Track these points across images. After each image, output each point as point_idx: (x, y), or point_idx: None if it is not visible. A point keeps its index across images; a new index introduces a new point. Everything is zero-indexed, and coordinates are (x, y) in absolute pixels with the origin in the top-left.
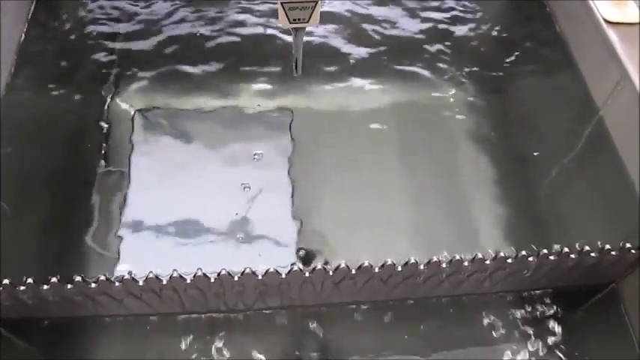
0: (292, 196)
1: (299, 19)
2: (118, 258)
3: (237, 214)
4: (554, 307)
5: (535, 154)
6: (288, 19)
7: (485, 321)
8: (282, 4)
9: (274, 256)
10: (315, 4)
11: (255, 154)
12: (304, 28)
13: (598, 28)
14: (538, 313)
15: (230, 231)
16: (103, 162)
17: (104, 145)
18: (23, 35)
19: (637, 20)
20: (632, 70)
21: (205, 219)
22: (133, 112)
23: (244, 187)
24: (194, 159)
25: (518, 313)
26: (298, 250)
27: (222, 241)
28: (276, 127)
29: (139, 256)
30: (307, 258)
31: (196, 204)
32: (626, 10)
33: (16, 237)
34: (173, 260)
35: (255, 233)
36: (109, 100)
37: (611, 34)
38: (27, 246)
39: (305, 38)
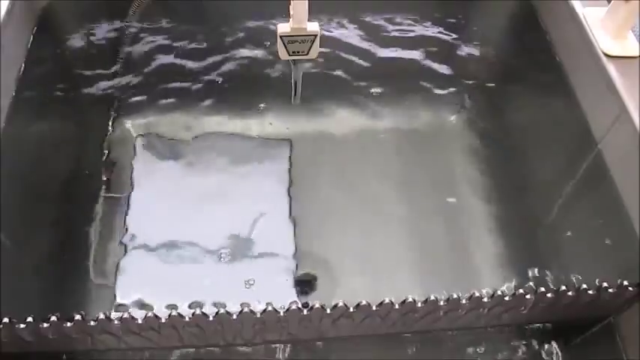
0: (292, 222)
1: (298, 52)
2: (117, 283)
3: (237, 238)
4: (551, 340)
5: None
6: (287, 52)
7: (482, 353)
8: (281, 37)
9: (273, 282)
10: (315, 38)
11: (255, 180)
12: (303, 60)
13: (597, 61)
14: (535, 345)
15: (230, 256)
16: (104, 188)
17: (105, 171)
18: (23, 65)
19: (637, 54)
20: (631, 105)
21: (205, 243)
22: (134, 138)
23: (244, 213)
24: (194, 184)
25: (515, 346)
26: (298, 276)
27: (222, 265)
28: (275, 154)
29: (139, 281)
30: (307, 283)
31: (196, 228)
32: (625, 44)
33: (16, 268)
34: (174, 285)
35: (255, 258)
36: (110, 126)
37: (611, 68)
38: (27, 274)
39: None
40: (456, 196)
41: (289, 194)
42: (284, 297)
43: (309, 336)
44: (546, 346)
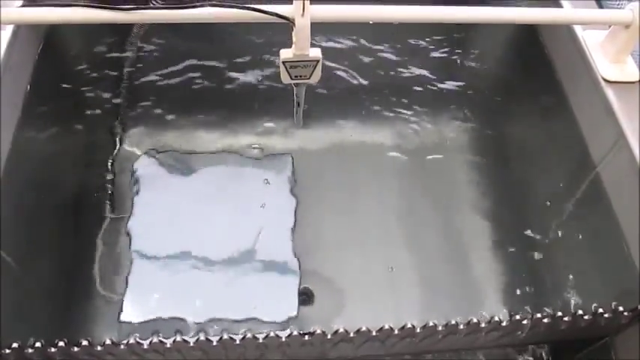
0: (294, 235)
1: (300, 77)
2: (124, 297)
3: (240, 251)
4: (548, 358)
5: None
6: (290, 76)
7: None
8: (283, 63)
9: (275, 293)
10: (317, 63)
11: (257, 194)
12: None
13: (596, 85)
14: None
15: (234, 268)
16: (109, 205)
17: (110, 187)
18: (29, 85)
19: (635, 79)
20: (629, 131)
21: (209, 256)
22: (139, 154)
23: (247, 226)
24: (198, 199)
25: None
26: (300, 288)
27: (225, 277)
28: (278, 168)
29: (146, 294)
30: (308, 296)
31: (200, 242)
32: (624, 69)
33: (23, 288)
34: (179, 297)
35: (258, 270)
36: (115, 143)
37: (609, 92)
38: (34, 294)
39: None
40: (456, 213)
41: (292, 207)
42: (286, 308)
43: (310, 357)
44: None
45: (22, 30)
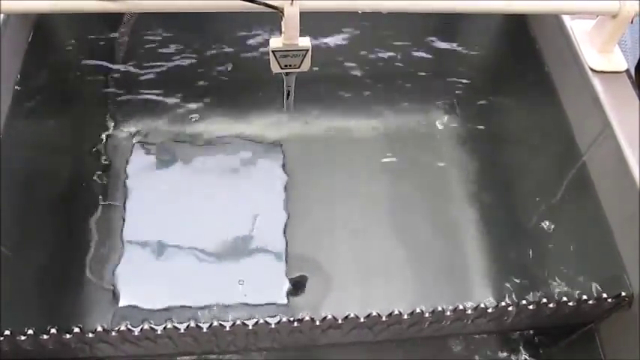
0: (285, 224)
1: (290, 66)
2: (116, 285)
3: (231, 239)
4: (533, 345)
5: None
6: (280, 66)
7: (466, 355)
8: (273, 52)
9: (267, 283)
10: (306, 52)
11: (248, 183)
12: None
13: (584, 74)
14: (517, 351)
15: (225, 257)
16: (101, 194)
17: (102, 176)
18: (19, 75)
19: (622, 69)
20: (614, 121)
21: (201, 245)
22: (130, 143)
23: (239, 215)
24: (189, 188)
25: (499, 351)
26: (290, 277)
27: (217, 266)
28: (268, 157)
29: (137, 282)
30: (298, 284)
31: (192, 231)
32: (611, 58)
33: (15, 276)
34: (171, 287)
35: (249, 259)
36: (106, 132)
37: (596, 82)
38: (26, 282)
39: None
40: (446, 201)
41: (283, 196)
42: (276, 297)
43: (300, 344)
44: (528, 350)
45: (11, 19)
